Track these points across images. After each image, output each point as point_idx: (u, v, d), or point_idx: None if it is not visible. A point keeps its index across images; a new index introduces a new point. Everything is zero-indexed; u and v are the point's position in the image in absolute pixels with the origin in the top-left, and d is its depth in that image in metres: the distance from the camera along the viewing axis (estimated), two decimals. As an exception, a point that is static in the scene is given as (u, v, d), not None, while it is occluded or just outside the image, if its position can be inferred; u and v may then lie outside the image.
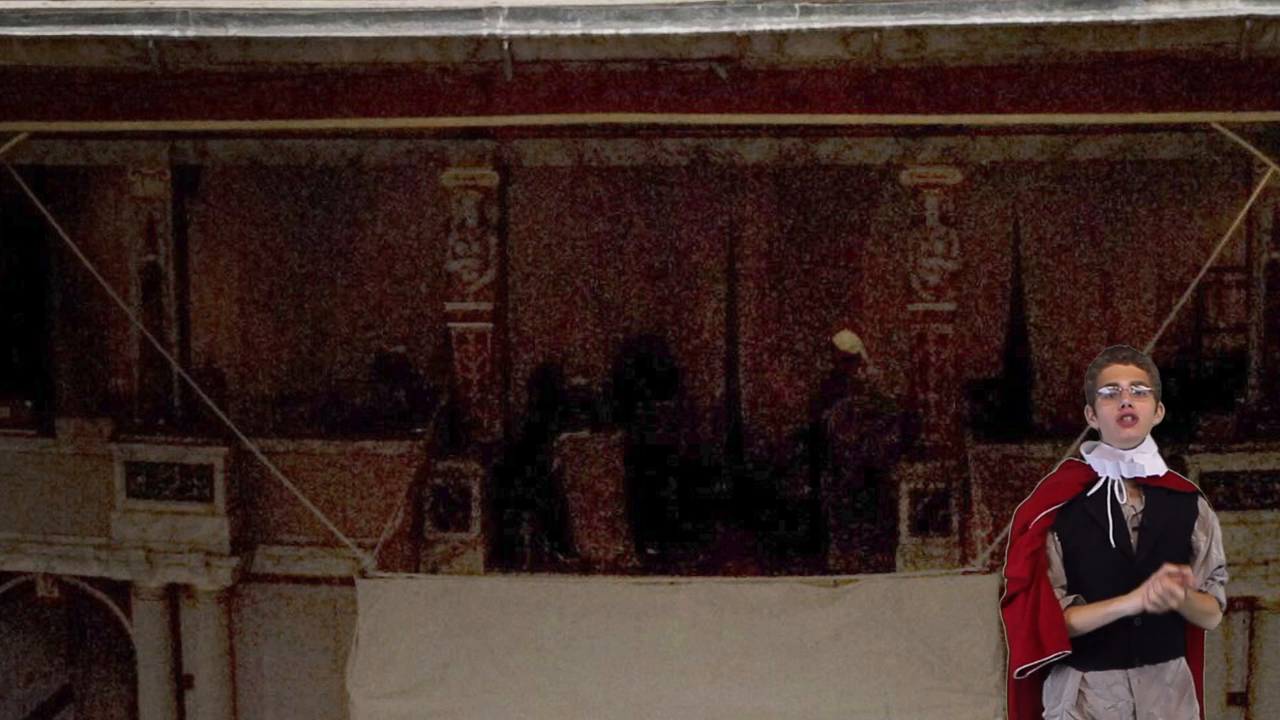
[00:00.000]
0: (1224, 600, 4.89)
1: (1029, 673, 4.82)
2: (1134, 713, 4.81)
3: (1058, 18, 9.85)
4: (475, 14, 10.17)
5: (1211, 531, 4.88)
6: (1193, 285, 12.68)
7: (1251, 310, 13.11)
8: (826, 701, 11.14)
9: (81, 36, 10.34)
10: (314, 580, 13.00)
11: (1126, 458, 4.79)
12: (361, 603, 11.37)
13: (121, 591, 13.38)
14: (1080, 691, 4.83)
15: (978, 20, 9.94)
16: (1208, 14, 9.79)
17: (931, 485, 12.21)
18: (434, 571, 12.21)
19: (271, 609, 13.31)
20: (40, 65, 10.69)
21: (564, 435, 12.96)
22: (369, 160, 13.15)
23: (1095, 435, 4.94)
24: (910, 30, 10.03)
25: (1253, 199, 12.22)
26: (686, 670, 11.25)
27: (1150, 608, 4.65)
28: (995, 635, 11.06)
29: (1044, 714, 4.93)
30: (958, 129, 12.08)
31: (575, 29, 10.09)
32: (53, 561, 13.37)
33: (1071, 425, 12.69)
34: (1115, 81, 11.05)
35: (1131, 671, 4.80)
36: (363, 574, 11.42)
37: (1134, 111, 11.29)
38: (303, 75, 11.21)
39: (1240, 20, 9.79)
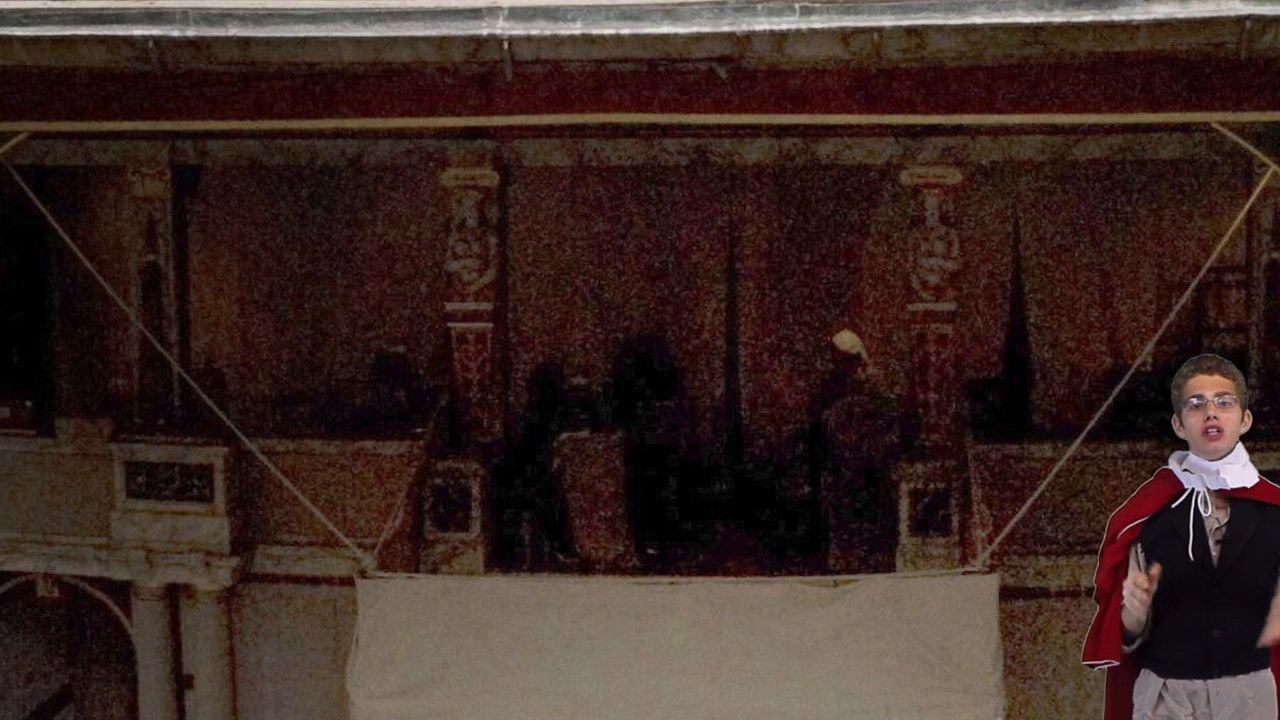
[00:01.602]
0: None
1: (1094, 669, 4.92)
2: None
3: (1058, 18, 9.85)
4: (475, 14, 10.18)
5: None
6: (1193, 285, 12.69)
7: (1251, 310, 13.10)
8: (826, 701, 11.14)
9: (81, 36, 10.35)
10: (314, 580, 13.00)
11: (1212, 470, 4.76)
12: (361, 603, 11.37)
13: (121, 591, 13.38)
14: (1160, 695, 4.85)
15: (978, 20, 9.94)
16: (1208, 14, 9.79)
17: (931, 485, 12.20)
18: (434, 571, 12.21)
19: (271, 609, 13.31)
20: (40, 65, 10.69)
21: (564, 435, 12.95)
22: (369, 160, 13.15)
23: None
24: (910, 30, 10.03)
25: (1253, 199, 12.21)
26: (686, 670, 11.24)
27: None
28: (995, 635, 11.07)
29: (1133, 713, 4.98)
30: (958, 129, 12.07)
31: (575, 29, 10.10)
32: (53, 561, 13.37)
33: (1071, 425, 12.69)
34: (1115, 81, 11.05)
35: (1210, 682, 4.78)
36: (363, 574, 11.42)
37: (1134, 111, 11.29)
38: (303, 75, 11.21)
39: (1240, 20, 9.79)
